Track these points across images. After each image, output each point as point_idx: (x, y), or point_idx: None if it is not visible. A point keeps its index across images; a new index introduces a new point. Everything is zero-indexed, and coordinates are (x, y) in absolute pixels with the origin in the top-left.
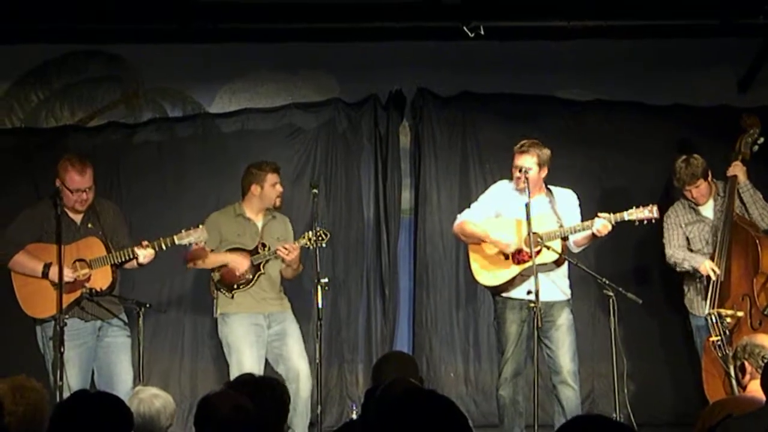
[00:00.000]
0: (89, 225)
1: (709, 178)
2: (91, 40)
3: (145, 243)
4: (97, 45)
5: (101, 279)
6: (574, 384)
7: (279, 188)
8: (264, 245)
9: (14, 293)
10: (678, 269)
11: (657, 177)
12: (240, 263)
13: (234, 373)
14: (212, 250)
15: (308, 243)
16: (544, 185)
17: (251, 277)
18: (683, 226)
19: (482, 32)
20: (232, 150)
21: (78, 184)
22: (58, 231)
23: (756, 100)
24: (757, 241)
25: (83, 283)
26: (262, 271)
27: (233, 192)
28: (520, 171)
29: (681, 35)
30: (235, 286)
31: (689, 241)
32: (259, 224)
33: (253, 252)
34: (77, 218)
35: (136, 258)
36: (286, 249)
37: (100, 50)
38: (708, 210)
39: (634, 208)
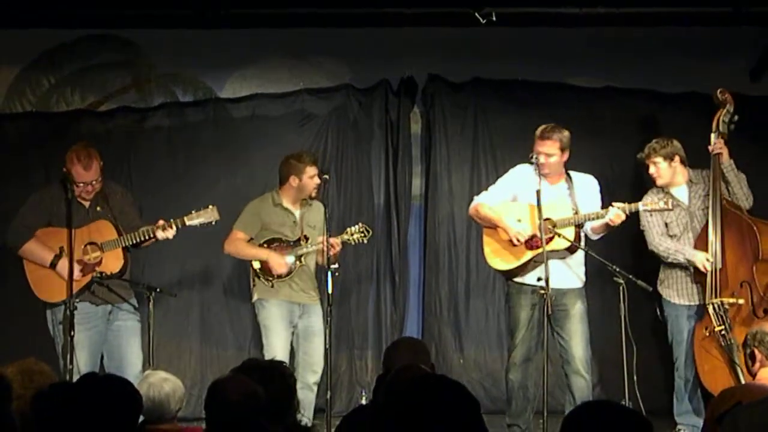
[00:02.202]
0: (98, 208)
1: (674, 164)
2: (103, 25)
3: (161, 223)
4: (109, 30)
5: (113, 262)
6: (587, 374)
7: (317, 180)
8: (306, 238)
9: (26, 277)
10: (669, 260)
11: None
12: (279, 265)
13: (266, 353)
14: (251, 239)
15: (350, 239)
16: (564, 171)
17: (292, 268)
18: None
19: (494, 18)
20: (242, 135)
21: (83, 178)
22: (68, 215)
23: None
24: (755, 228)
25: (95, 267)
26: (302, 263)
27: (244, 177)
28: (544, 157)
29: (693, 23)
30: (275, 276)
31: (667, 226)
32: (297, 214)
33: (294, 244)
34: (86, 202)
35: (156, 237)
36: (329, 245)
37: (112, 35)
38: (681, 194)
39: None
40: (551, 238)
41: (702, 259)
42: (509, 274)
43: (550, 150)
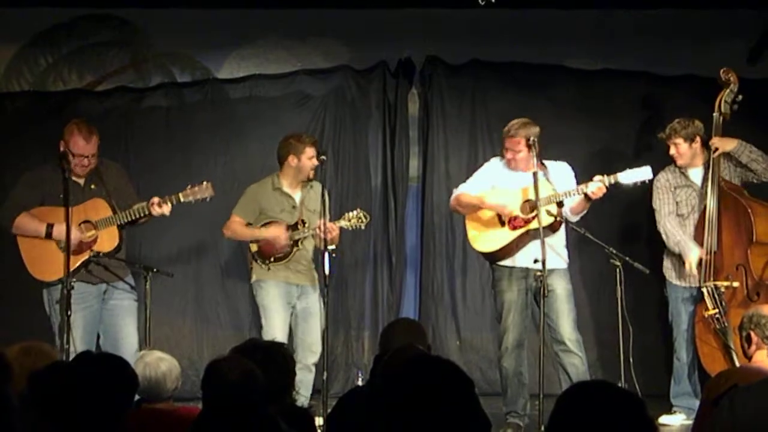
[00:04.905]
0: (92, 186)
1: (695, 144)
2: (101, 4)
3: (156, 200)
4: (107, 9)
5: (108, 240)
6: (579, 352)
7: (315, 161)
8: (304, 222)
9: (21, 257)
10: (666, 242)
11: (665, 147)
12: (278, 238)
13: (265, 334)
14: (249, 223)
15: (348, 225)
16: (537, 160)
17: (289, 250)
18: (672, 189)
19: (493, 0)
20: (240, 116)
21: (82, 150)
22: (65, 194)
23: (766, 71)
24: (749, 210)
25: (90, 245)
26: (300, 247)
27: (241, 157)
28: (511, 153)
29: (691, 5)
30: (272, 259)
31: (677, 205)
32: (297, 198)
33: (293, 228)
34: (80, 180)
35: (151, 215)
36: (327, 229)
37: (109, 14)
38: (697, 175)
39: (628, 170)
40: (533, 218)
41: (692, 259)
42: (493, 257)
43: (516, 147)
